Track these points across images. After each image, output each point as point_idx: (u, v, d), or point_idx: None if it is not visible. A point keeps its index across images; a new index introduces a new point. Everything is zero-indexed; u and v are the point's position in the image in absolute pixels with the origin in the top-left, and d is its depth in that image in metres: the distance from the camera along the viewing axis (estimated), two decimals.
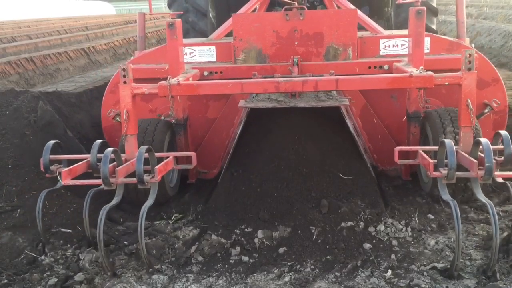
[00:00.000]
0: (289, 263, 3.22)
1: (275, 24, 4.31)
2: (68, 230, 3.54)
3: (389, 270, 3.06)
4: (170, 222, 3.81)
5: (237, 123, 4.43)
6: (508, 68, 9.70)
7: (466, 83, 3.28)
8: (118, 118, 4.20)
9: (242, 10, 5.08)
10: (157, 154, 3.41)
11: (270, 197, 3.77)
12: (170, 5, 7.17)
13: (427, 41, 4.18)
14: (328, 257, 3.25)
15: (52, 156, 3.44)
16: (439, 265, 3.04)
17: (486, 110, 4.15)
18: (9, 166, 3.85)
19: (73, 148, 4.30)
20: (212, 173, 4.61)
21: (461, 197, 3.79)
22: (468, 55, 3.27)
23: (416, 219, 3.64)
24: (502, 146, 3.17)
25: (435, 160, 3.15)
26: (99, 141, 3.49)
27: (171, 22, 4.03)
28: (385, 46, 4.37)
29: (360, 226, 3.51)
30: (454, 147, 3.02)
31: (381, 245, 3.34)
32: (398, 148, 3.55)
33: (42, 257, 3.31)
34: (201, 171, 4.59)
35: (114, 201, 3.26)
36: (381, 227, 3.51)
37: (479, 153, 3.10)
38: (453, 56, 4.18)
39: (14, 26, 23.36)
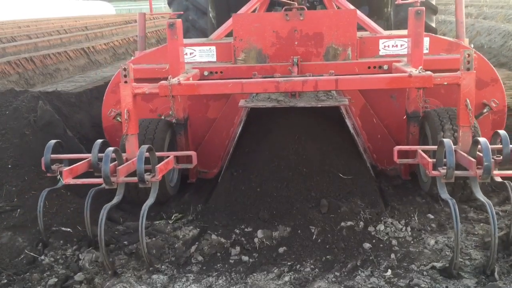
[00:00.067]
0: (289, 263, 3.23)
1: (275, 24, 4.33)
2: (68, 229, 3.54)
3: (389, 270, 3.06)
4: (170, 222, 3.81)
5: (237, 122, 4.44)
6: (508, 68, 9.70)
7: (464, 83, 3.29)
8: (118, 118, 4.21)
9: (242, 10, 5.10)
10: (157, 154, 3.42)
11: (270, 197, 3.78)
12: (170, 4, 7.19)
13: (426, 41, 4.20)
14: (328, 256, 3.25)
15: (53, 156, 3.45)
16: (439, 265, 3.05)
17: (485, 110, 4.16)
18: (9, 166, 3.85)
19: (73, 148, 4.31)
20: (212, 172, 4.62)
21: (460, 195, 3.80)
22: (467, 55, 3.28)
23: (416, 218, 3.65)
24: (501, 146, 3.18)
25: (434, 160, 3.16)
26: (100, 140, 3.49)
27: (172, 22, 4.04)
28: (385, 46, 4.38)
29: (360, 226, 3.51)
30: (453, 147, 3.03)
31: (381, 245, 3.35)
32: (397, 147, 3.56)
33: (42, 257, 3.31)
34: (201, 170, 4.60)
35: (115, 200, 3.28)
36: (381, 226, 3.52)
37: (478, 153, 3.12)
38: (452, 56, 4.20)
39: (14, 26, 23.34)
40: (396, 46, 4.36)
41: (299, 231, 3.49)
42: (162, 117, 4.38)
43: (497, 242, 2.85)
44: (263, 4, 5.35)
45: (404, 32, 4.45)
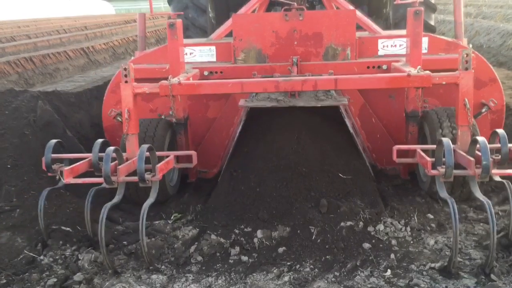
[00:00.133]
0: (288, 263, 3.23)
1: (274, 25, 4.34)
2: (68, 229, 3.54)
3: (389, 270, 3.07)
4: (170, 222, 3.82)
5: (237, 122, 4.44)
6: (507, 67, 9.70)
7: (463, 82, 3.30)
8: (119, 118, 4.21)
9: (241, 10, 5.11)
10: (158, 153, 3.43)
11: (270, 197, 3.78)
12: (170, 2, 7.21)
13: (425, 41, 4.21)
14: (327, 256, 3.25)
15: (53, 155, 3.46)
16: (438, 265, 3.05)
17: (483, 110, 4.16)
18: (8, 166, 3.85)
19: (73, 148, 4.30)
20: (211, 172, 4.62)
21: (459, 193, 3.81)
22: (465, 55, 3.29)
23: (416, 218, 3.65)
24: (499, 145, 3.19)
25: (433, 159, 3.17)
26: (100, 140, 3.50)
27: (172, 22, 4.05)
28: (384, 46, 4.39)
29: (360, 226, 3.51)
30: (452, 146, 3.04)
31: (381, 245, 3.35)
32: (396, 146, 3.57)
33: (41, 257, 3.31)
34: (201, 170, 4.61)
35: (116, 199, 3.29)
36: (381, 226, 3.52)
37: (477, 152, 3.12)
38: (450, 56, 4.21)
39: (13, 26, 23.31)
40: (395, 46, 4.38)
41: (298, 231, 3.49)
42: (162, 117, 4.38)
43: (496, 241, 2.85)
44: (263, 4, 5.36)
45: (403, 32, 4.46)
